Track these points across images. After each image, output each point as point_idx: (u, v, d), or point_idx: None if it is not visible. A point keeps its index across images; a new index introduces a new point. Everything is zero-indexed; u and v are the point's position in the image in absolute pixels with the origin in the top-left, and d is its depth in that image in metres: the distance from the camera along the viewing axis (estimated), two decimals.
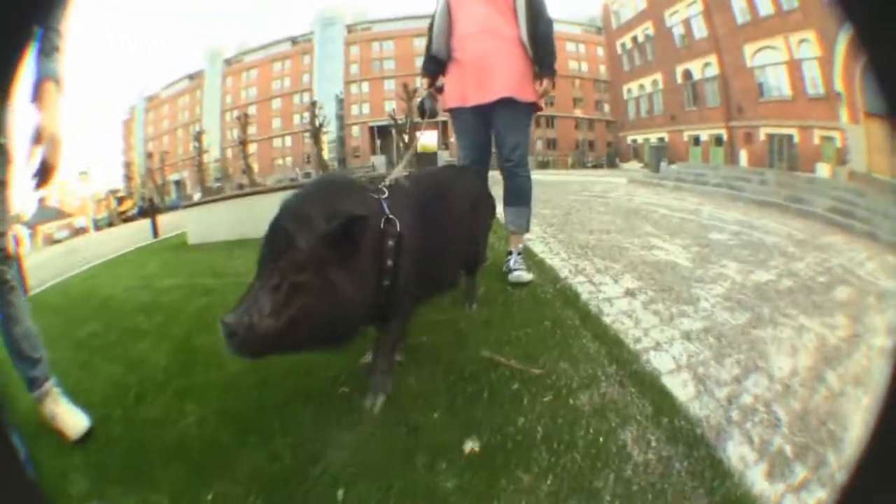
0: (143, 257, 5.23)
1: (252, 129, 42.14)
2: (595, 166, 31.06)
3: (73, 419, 1.33)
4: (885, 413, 0.38)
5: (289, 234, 0.99)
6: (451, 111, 2.32)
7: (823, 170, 14.58)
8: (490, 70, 2.12)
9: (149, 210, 10.38)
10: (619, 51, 27.22)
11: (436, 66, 2.28)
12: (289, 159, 42.96)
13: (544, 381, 1.30)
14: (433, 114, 2.17)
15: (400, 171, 1.44)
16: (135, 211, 27.45)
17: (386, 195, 1.22)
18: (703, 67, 20.76)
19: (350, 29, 47.73)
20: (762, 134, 18.06)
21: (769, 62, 17.18)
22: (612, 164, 29.94)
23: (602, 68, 33.54)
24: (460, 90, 2.20)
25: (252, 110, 44.51)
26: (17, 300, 1.31)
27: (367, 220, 1.04)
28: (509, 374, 1.33)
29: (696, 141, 22.03)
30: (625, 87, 27.79)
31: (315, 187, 1.18)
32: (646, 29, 24.39)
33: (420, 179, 1.49)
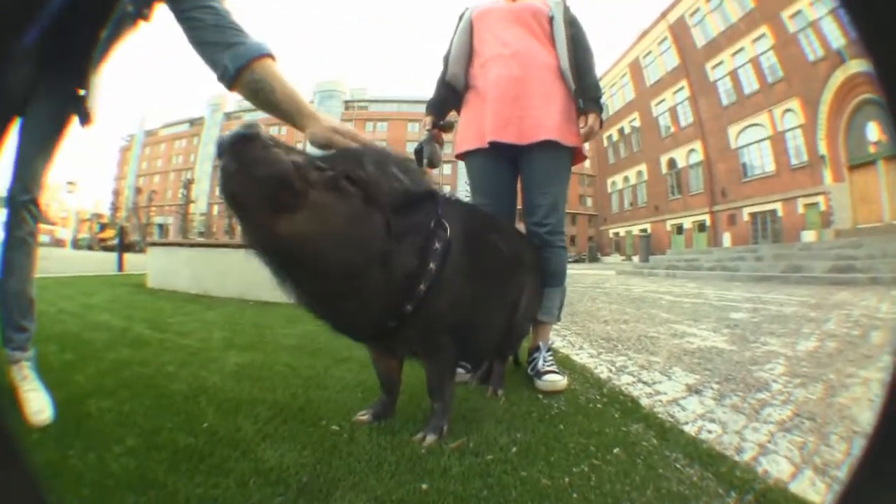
0: (96, 286, 4.93)
1: None
2: (576, 261, 31.20)
3: (36, 403, 1.23)
4: (887, 412, 0.36)
5: (356, 154, 0.93)
6: (466, 157, 1.81)
7: (809, 237, 14.82)
8: (523, 102, 1.66)
9: (120, 244, 9.72)
10: (605, 143, 28.41)
11: (448, 96, 1.82)
12: None
13: None
14: (433, 162, 1.67)
15: None
16: (116, 241, 26.56)
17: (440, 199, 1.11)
18: (688, 154, 21.57)
19: (347, 105, 50.08)
20: (745, 214, 18.48)
21: (753, 140, 17.93)
22: (593, 258, 30.20)
23: (587, 163, 34.75)
24: (477, 127, 1.73)
25: None
26: (26, 259, 1.32)
27: (438, 201, 1.02)
28: None
29: (679, 230, 22.44)
30: (609, 181, 28.74)
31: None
32: (632, 120, 25.58)
33: (476, 209, 1.40)
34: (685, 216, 22.26)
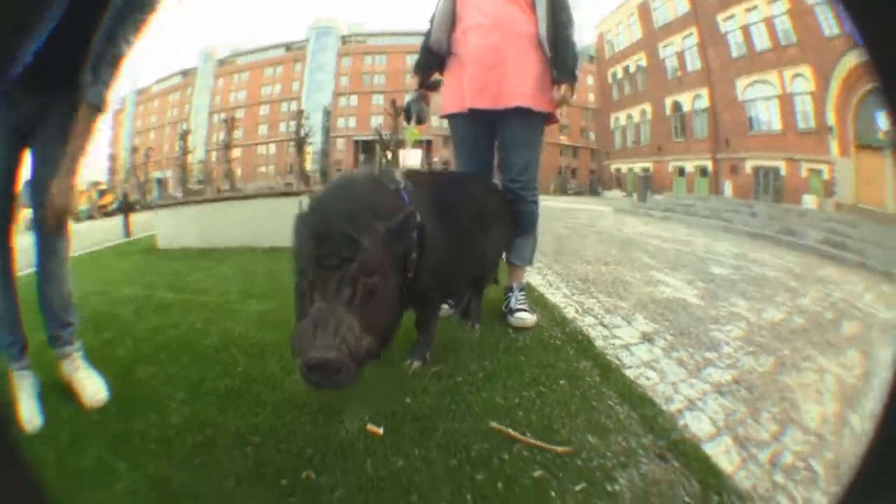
0: (110, 259, 4.97)
1: (238, 134, 41.75)
2: (577, 193, 31.30)
3: (92, 387, 1.35)
4: (887, 414, 0.36)
5: (350, 237, 0.93)
6: (449, 118, 1.97)
7: (810, 201, 14.74)
8: (499, 70, 1.78)
9: (123, 207, 9.90)
10: (610, 80, 27.55)
11: (430, 60, 1.95)
12: (272, 167, 42.63)
13: (573, 463, 1.00)
14: (420, 119, 1.86)
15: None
16: (115, 206, 26.81)
17: (403, 186, 1.23)
18: (694, 99, 21.01)
19: (345, 40, 47.98)
20: (748, 167, 18.24)
21: (761, 96, 17.43)
22: (594, 192, 30.24)
23: (591, 96, 33.87)
24: (458, 92, 1.87)
25: (239, 114, 44.12)
26: (64, 265, 1.40)
27: (415, 215, 1.08)
28: (528, 454, 1.02)
29: (681, 172, 22.26)
30: (612, 116, 28.09)
31: (343, 186, 1.14)
32: (638, 60, 24.69)
33: (438, 175, 1.55)
34: (688, 159, 22.02)
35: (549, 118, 1.90)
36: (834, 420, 1.31)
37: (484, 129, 1.91)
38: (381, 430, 1.08)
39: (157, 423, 1.19)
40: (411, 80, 1.99)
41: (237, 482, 0.94)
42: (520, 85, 1.77)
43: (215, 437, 1.11)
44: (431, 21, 1.96)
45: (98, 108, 1.27)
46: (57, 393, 1.38)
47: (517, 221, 1.90)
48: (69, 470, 1.03)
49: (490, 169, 2.02)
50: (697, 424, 1.17)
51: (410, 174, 1.36)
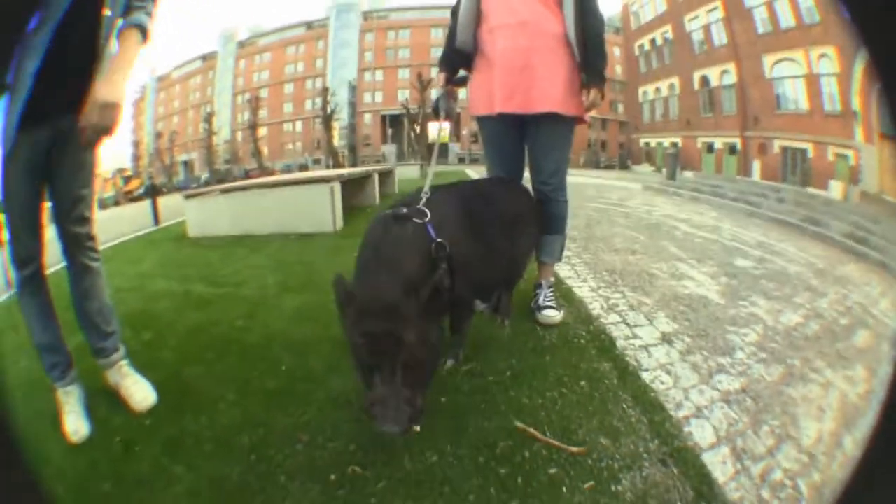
0: (141, 250, 4.93)
1: (263, 113, 42.03)
2: (607, 167, 30.97)
3: (140, 392, 1.39)
4: (887, 414, 0.37)
5: (394, 335, 1.02)
6: (478, 118, 2.00)
7: (836, 187, 14.27)
8: (528, 74, 1.76)
9: (150, 191, 10.12)
10: (637, 52, 26.85)
11: (457, 59, 1.94)
12: (298, 144, 42.92)
13: (584, 463, 1.10)
14: (449, 115, 1.87)
15: (429, 183, 1.41)
16: (141, 191, 27.60)
17: (429, 217, 1.24)
18: (721, 75, 20.38)
19: (366, 16, 47.43)
20: (776, 146, 17.71)
21: (788, 74, 16.82)
22: (623, 166, 29.86)
23: (618, 69, 33.04)
24: (487, 94, 1.86)
25: (264, 93, 44.33)
26: (99, 282, 1.41)
27: (444, 251, 1.16)
28: (546, 453, 1.13)
29: (710, 148, 21.70)
30: (640, 89, 27.48)
31: (379, 258, 1.17)
32: (665, 32, 23.99)
33: (463, 194, 1.52)
34: (717, 136, 21.54)
35: (578, 119, 1.88)
36: (829, 440, 1.33)
37: (514, 129, 1.92)
38: (417, 428, 1.16)
39: (209, 424, 1.28)
40: (438, 76, 1.97)
41: (290, 478, 1.07)
42: (549, 89, 1.77)
43: (267, 436, 1.22)
44: (453, 15, 1.93)
45: (144, 31, 1.23)
46: (105, 401, 1.41)
47: (547, 221, 1.93)
48: (127, 476, 1.11)
49: (521, 167, 2.03)
50: (701, 433, 1.24)
51: (436, 191, 1.38)
